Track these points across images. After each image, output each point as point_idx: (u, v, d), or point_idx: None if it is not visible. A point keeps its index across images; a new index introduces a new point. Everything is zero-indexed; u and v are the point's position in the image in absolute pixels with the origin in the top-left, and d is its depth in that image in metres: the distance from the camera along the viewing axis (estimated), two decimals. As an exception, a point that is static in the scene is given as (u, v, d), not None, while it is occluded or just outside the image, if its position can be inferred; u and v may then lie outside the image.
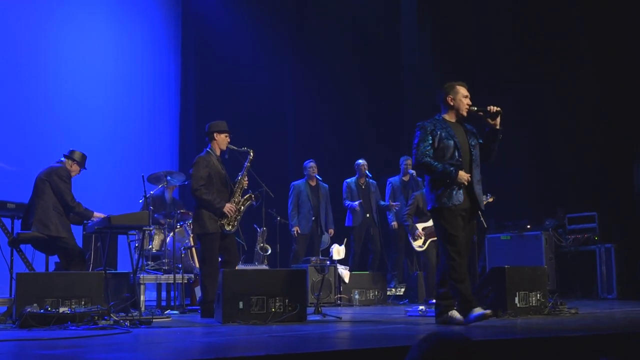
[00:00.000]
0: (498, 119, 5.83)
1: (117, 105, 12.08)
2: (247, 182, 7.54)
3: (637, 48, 10.81)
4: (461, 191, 5.70)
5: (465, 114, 5.88)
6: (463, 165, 5.73)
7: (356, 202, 10.60)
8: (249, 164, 7.57)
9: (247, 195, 7.51)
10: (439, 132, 5.75)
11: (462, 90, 5.91)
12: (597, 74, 11.19)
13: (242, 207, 7.43)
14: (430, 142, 5.74)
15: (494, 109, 5.81)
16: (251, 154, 7.55)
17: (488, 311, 5.50)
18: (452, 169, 5.64)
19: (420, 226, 9.59)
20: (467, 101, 5.88)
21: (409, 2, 13.70)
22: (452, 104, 5.89)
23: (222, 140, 7.43)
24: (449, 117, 5.91)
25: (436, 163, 5.67)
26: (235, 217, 7.32)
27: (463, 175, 5.65)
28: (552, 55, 11.59)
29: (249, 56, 13.16)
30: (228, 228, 7.24)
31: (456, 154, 5.73)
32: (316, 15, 13.69)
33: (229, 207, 7.23)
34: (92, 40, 11.91)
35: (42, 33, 11.42)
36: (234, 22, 13.15)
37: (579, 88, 11.41)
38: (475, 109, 5.87)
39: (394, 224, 10.59)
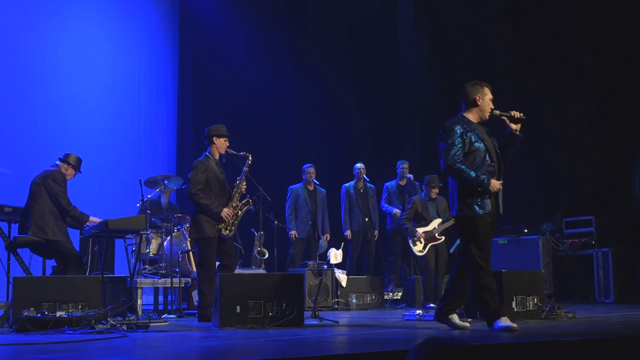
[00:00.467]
0: (519, 125, 5.74)
1: (115, 108, 12.08)
2: (245, 186, 7.53)
3: (634, 53, 10.84)
4: (489, 198, 5.56)
5: (487, 117, 5.74)
6: (495, 169, 5.60)
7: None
8: (247, 169, 7.54)
9: (245, 200, 7.49)
10: (469, 135, 5.57)
11: (489, 93, 5.77)
12: (595, 78, 11.21)
13: (240, 212, 7.41)
14: (460, 146, 5.55)
15: (517, 114, 5.71)
16: (250, 158, 7.53)
17: (514, 325, 5.35)
18: (484, 177, 5.47)
19: (419, 230, 9.58)
20: (491, 105, 5.76)
21: (406, 7, 13.72)
22: (479, 104, 5.72)
23: (221, 145, 7.40)
24: (472, 117, 5.73)
25: (469, 170, 5.49)
26: (233, 222, 7.30)
27: (495, 184, 5.51)
28: (550, 59, 11.61)
29: (247, 60, 13.17)
30: (225, 232, 7.23)
31: (487, 158, 5.58)
32: (314, 19, 13.70)
33: (226, 212, 7.21)
34: (89, 44, 11.91)
35: (39, 37, 11.41)
36: (232, 26, 13.16)
37: (576, 92, 11.43)
38: (499, 113, 5.74)
39: (396, 211, 10.48)
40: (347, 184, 10.89)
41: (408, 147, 13.23)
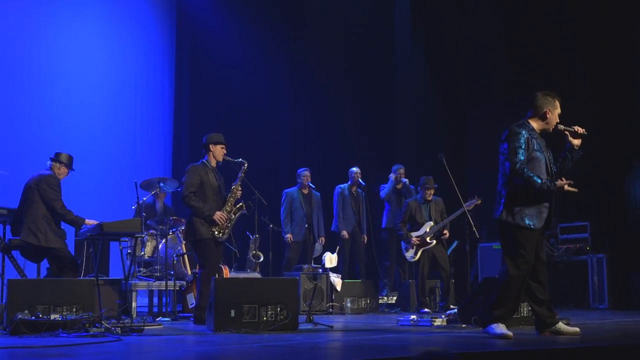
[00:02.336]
0: (580, 141, 5.75)
1: (111, 110, 12.07)
2: (240, 192, 7.57)
3: (631, 60, 10.86)
4: (545, 213, 5.52)
5: (552, 130, 5.72)
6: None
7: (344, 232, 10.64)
8: (243, 174, 7.61)
9: (239, 204, 7.54)
10: (533, 141, 5.55)
11: (559, 108, 5.74)
12: (591, 85, 11.22)
13: (234, 216, 7.44)
14: (525, 150, 5.49)
15: (580, 130, 5.71)
16: (245, 165, 7.60)
17: (510, 333, 5.32)
18: (548, 183, 5.43)
19: (413, 235, 9.55)
20: (558, 119, 5.73)
21: (402, 11, 13.72)
22: (548, 117, 5.68)
23: (218, 152, 7.48)
24: (536, 126, 5.69)
25: (536, 177, 5.42)
26: (227, 225, 7.33)
27: (561, 183, 5.47)
28: (546, 66, 11.62)
29: (243, 63, 13.18)
30: (219, 236, 7.26)
31: (544, 171, 5.55)
32: (310, 24, 13.71)
33: (219, 215, 7.24)
34: (86, 46, 11.90)
35: (36, 38, 11.41)
36: (229, 30, 13.16)
37: (571, 98, 11.41)
38: (563, 127, 5.73)
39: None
40: (341, 185, 10.89)
41: (403, 151, 13.23)
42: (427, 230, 9.50)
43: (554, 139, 5.86)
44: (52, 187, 7.41)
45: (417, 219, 9.58)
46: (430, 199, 9.62)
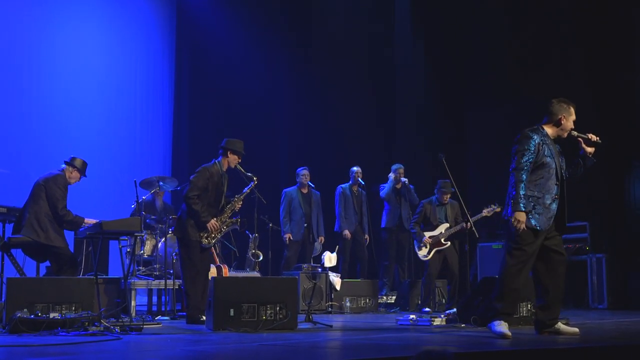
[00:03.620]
0: (594, 148, 5.77)
1: (111, 108, 12.05)
2: (240, 205, 7.56)
3: (631, 60, 10.86)
4: (547, 216, 5.53)
5: (566, 136, 5.75)
6: (558, 189, 5.60)
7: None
8: (249, 190, 7.62)
9: (235, 219, 7.54)
10: (544, 147, 5.58)
11: (574, 114, 5.76)
12: (590, 85, 11.22)
13: (225, 227, 7.46)
14: (534, 155, 5.52)
15: (594, 138, 5.74)
16: (255, 180, 7.58)
17: (509, 333, 5.32)
18: (522, 204, 5.40)
19: (426, 235, 9.54)
20: (572, 125, 5.75)
21: (402, 11, 13.73)
22: (562, 123, 5.71)
23: (233, 160, 7.45)
24: (550, 132, 5.72)
25: (524, 186, 5.44)
26: (216, 235, 7.34)
27: (520, 223, 5.40)
28: (546, 66, 11.63)
29: (243, 62, 13.17)
30: (204, 241, 7.25)
31: (554, 176, 5.57)
32: (310, 23, 13.70)
33: (213, 224, 7.23)
34: (86, 44, 11.89)
35: (37, 37, 11.39)
36: (229, 28, 13.15)
37: (571, 99, 11.43)
38: (576, 134, 5.75)
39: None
40: (343, 185, 10.87)
41: (403, 150, 13.23)
42: (443, 231, 9.52)
43: (567, 146, 5.87)
44: (59, 187, 7.43)
45: (431, 220, 9.59)
46: (446, 201, 9.64)
